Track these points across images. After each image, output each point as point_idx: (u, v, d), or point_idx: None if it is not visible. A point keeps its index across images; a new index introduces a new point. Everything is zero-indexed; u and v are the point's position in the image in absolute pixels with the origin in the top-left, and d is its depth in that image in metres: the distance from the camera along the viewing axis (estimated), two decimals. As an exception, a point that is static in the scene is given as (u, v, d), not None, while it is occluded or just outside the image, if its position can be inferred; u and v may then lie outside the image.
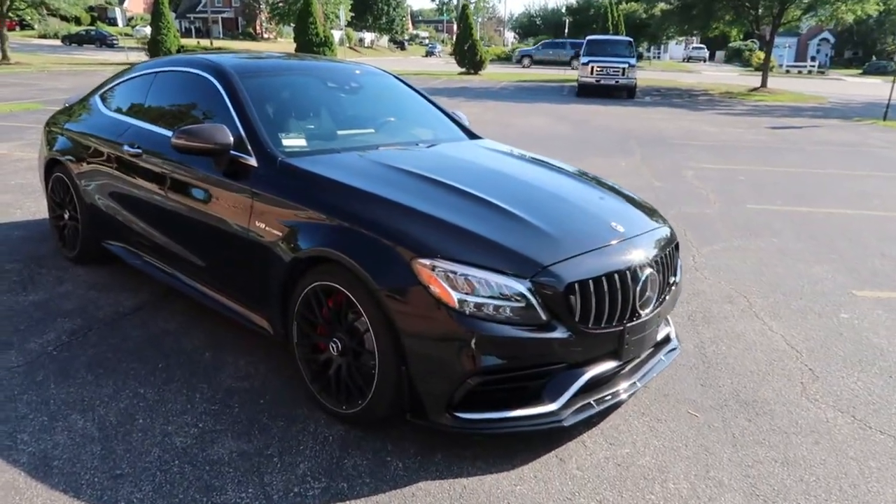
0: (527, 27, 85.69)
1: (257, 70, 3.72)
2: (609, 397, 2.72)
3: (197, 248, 3.45)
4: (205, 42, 47.24)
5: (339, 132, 3.75)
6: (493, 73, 33.78)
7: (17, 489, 2.33)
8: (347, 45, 61.63)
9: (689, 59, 66.34)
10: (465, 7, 33.29)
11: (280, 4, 60.56)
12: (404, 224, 2.61)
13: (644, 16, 48.83)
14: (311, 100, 3.89)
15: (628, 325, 2.69)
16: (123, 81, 4.33)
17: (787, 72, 49.71)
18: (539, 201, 3.01)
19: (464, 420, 2.51)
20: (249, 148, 3.18)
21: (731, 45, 63.86)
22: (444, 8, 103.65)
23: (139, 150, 3.74)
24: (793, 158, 10.54)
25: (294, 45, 35.84)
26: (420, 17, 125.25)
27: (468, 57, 32.19)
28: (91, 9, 52.15)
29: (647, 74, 34.83)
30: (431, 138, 3.89)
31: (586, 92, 22.92)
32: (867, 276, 4.89)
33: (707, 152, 10.92)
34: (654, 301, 2.83)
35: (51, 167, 4.66)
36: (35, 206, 6.07)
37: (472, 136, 4.11)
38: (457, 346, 2.43)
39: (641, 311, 2.75)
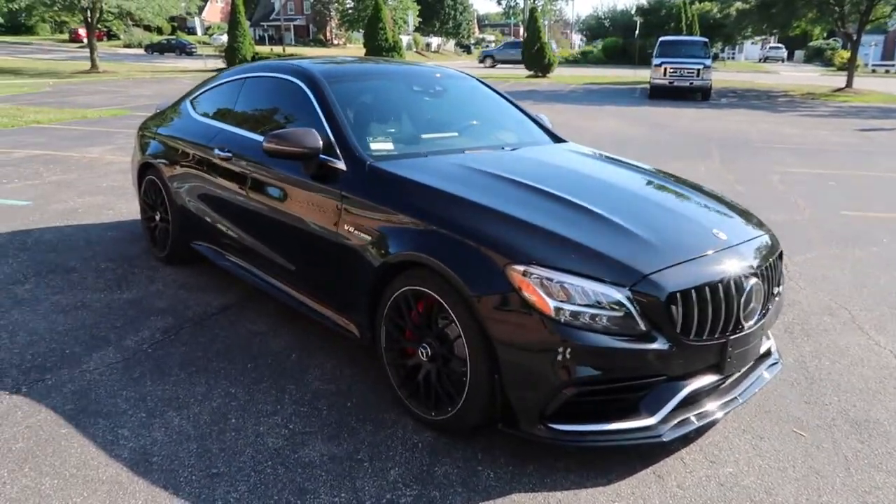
0: (595, 29, 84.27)
1: (344, 75, 3.74)
2: (709, 413, 2.59)
3: (284, 250, 3.50)
4: (277, 49, 48.55)
5: (424, 136, 3.73)
6: (562, 76, 33.39)
7: (120, 484, 2.39)
8: (415, 49, 62.26)
9: (766, 59, 63.93)
10: (532, 10, 33.05)
11: (350, 11, 61.74)
12: (497, 229, 2.55)
13: (718, 15, 47.37)
14: (395, 104, 3.89)
15: (731, 337, 2.56)
16: (213, 87, 4.45)
17: (874, 71, 47.17)
18: (635, 207, 2.91)
19: (558, 431, 2.43)
20: (338, 152, 3.20)
21: (811, 44, 61.18)
22: (511, 11, 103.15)
23: (229, 154, 3.82)
24: (887, 163, 9.96)
25: (364, 51, 36.45)
26: (486, 21, 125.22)
27: (536, 60, 31.92)
28: (172, 19, 54.40)
29: (721, 76, 33.74)
30: (516, 141, 3.83)
31: (659, 94, 22.35)
32: (981, 289, 4.54)
33: (792, 155, 10.45)
34: (758, 312, 2.68)
35: (144, 170, 4.83)
36: (126, 208, 6.32)
37: (556, 139, 4.03)
38: (552, 355, 2.35)
39: (745, 323, 2.61)
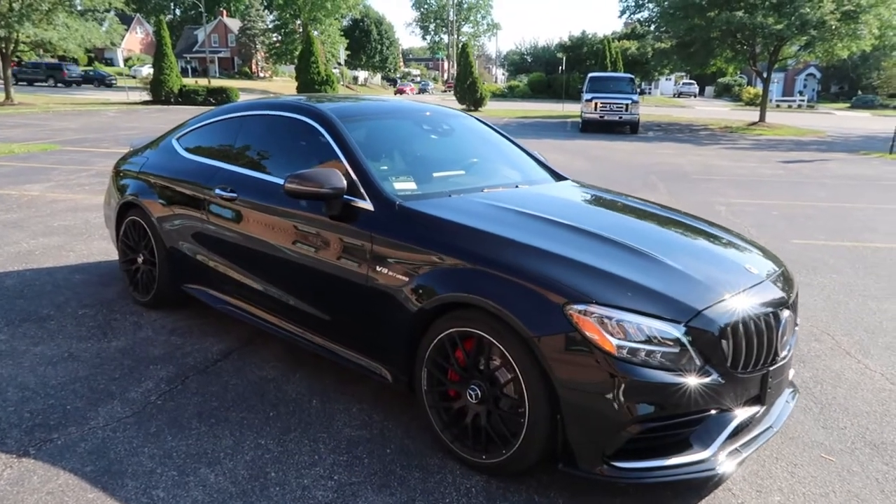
0: (518, 64, 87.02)
1: (355, 114, 3.72)
2: (752, 442, 2.66)
3: (303, 293, 3.40)
4: (203, 81, 47.51)
5: (435, 174, 3.72)
6: (494, 110, 34.15)
7: (174, 551, 2.24)
8: (342, 82, 62.40)
9: (679, 94, 67.45)
10: (465, 46, 33.85)
11: (277, 44, 61.39)
12: (551, 269, 2.57)
13: (636, 52, 49.80)
14: (405, 142, 3.89)
15: (771, 368, 2.66)
16: (204, 125, 4.32)
17: (777, 106, 50.53)
18: (669, 243, 3.00)
19: (621, 469, 2.44)
20: (363, 192, 3.16)
21: (720, 80, 65.07)
22: (436, 46, 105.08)
23: (233, 194, 3.71)
24: (818, 193, 10.64)
25: (295, 84, 36.21)
26: (410, 56, 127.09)
27: (469, 94, 32.58)
28: (88, 50, 52.68)
29: (641, 109, 35.37)
30: (523, 179, 3.88)
31: (590, 128, 23.20)
32: (940, 312, 4.89)
33: (731, 187, 11.01)
34: (790, 343, 2.80)
35: (124, 211, 4.61)
36: (86, 249, 6.01)
37: (557, 176, 4.11)
38: (615, 393, 2.37)
39: (780, 354, 2.72)
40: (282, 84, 60.37)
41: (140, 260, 4.52)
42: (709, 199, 9.67)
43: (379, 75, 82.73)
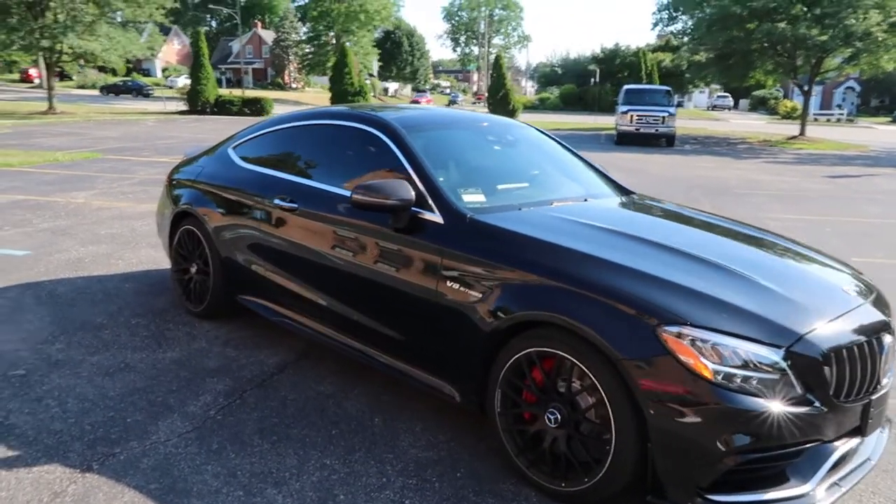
0: (549, 76, 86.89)
1: (418, 124, 3.62)
2: (851, 476, 2.49)
3: (366, 307, 3.31)
4: (237, 92, 48.23)
5: (499, 186, 3.61)
6: (526, 121, 34.01)
7: (247, 578, 2.14)
8: (373, 94, 62.90)
9: (714, 107, 66.63)
10: (498, 58, 33.90)
11: (310, 56, 62.12)
12: (638, 287, 2.44)
13: (670, 65, 49.35)
14: (470, 153, 3.79)
15: (873, 397, 2.49)
16: (261, 134, 4.26)
17: (816, 120, 49.49)
18: (760, 262, 2.85)
19: (716, 503, 2.29)
20: (432, 204, 3.06)
21: (754, 93, 64.15)
22: (466, 58, 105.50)
23: (294, 205, 3.63)
24: (869, 209, 10.31)
25: (327, 95, 36.56)
26: (441, 67, 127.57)
27: (501, 105, 32.54)
28: (127, 60, 53.89)
29: (676, 122, 34.95)
30: (590, 192, 3.74)
31: (626, 140, 22.93)
32: None
33: (777, 202, 10.73)
34: (892, 370, 2.62)
35: (178, 220, 4.58)
36: (135, 257, 6.00)
37: (623, 189, 3.97)
38: (712, 421, 2.23)
39: (882, 381, 2.54)
40: (314, 95, 61.00)
41: (193, 270, 4.48)
42: (756, 215, 9.40)
43: (409, 87, 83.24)
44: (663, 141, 23.05)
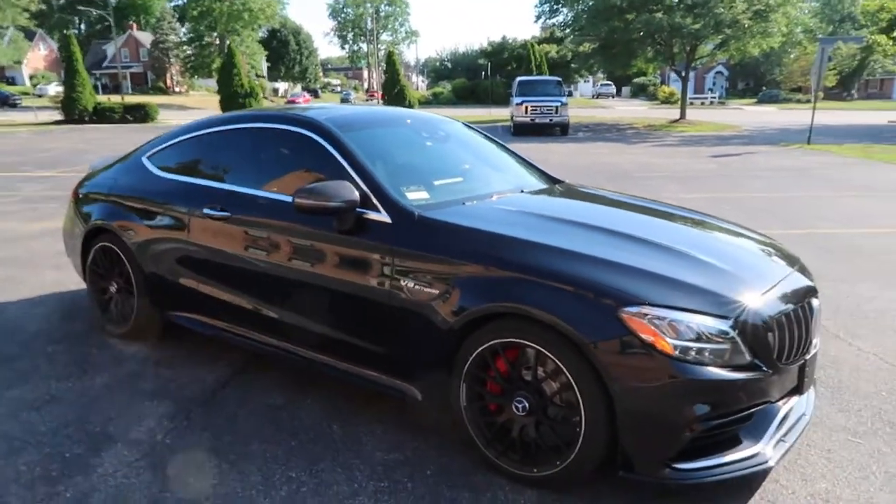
0: (439, 71, 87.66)
1: (352, 123, 3.56)
2: (793, 431, 2.69)
3: (315, 313, 3.23)
4: (116, 98, 45.59)
5: (436, 182, 3.62)
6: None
7: None
8: (262, 95, 61.15)
9: (598, 95, 69.47)
10: (390, 54, 33.84)
11: (192, 58, 59.54)
12: (595, 273, 2.52)
13: (556, 56, 50.97)
14: (404, 150, 3.78)
15: (807, 357, 2.70)
16: (179, 142, 4.06)
17: (691, 103, 52.61)
18: (698, 241, 3.01)
19: (683, 471, 2.41)
20: (377, 203, 3.03)
21: (635, 80, 67.40)
22: (355, 55, 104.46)
23: (226, 213, 3.50)
24: (755, 184, 11.10)
25: (214, 98, 35.22)
26: (330, 65, 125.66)
27: (397, 101, 32.50)
28: (-12, 68, 49.67)
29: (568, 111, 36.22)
30: (524, 184, 3.81)
31: (522, 131, 23.53)
32: (906, 291, 5.14)
33: (674, 183, 11.35)
34: (819, 331, 2.85)
35: (91, 237, 4.29)
36: (38, 280, 5.57)
37: (554, 179, 4.09)
38: (676, 394, 2.35)
39: (813, 342, 2.76)
40: (200, 98, 58.61)
41: (113, 289, 4.22)
42: (658, 196, 9.89)
43: (299, 86, 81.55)
44: (558, 130, 23.82)
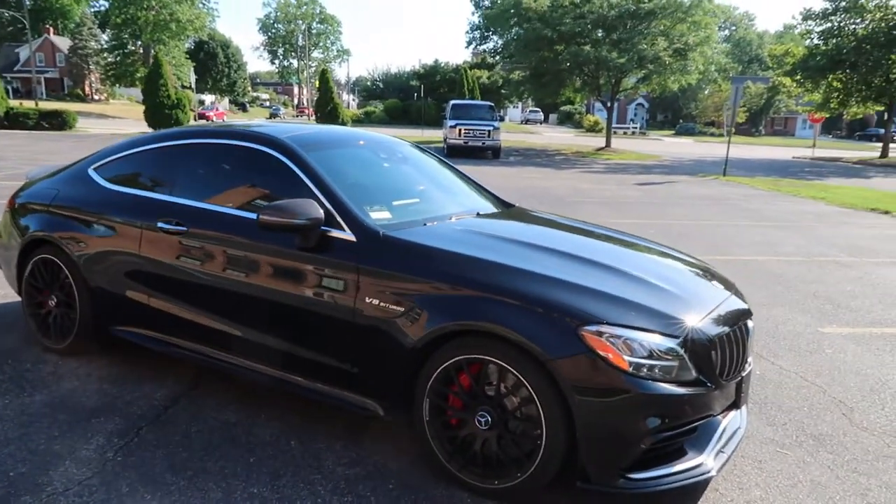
0: (370, 90, 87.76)
1: (314, 143, 3.61)
2: (730, 442, 2.90)
3: (273, 330, 3.24)
4: (29, 103, 43.42)
5: (394, 203, 3.71)
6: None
7: None
8: (189, 106, 59.53)
9: (527, 121, 71.24)
10: (324, 71, 33.68)
11: (114, 66, 57.42)
12: (557, 293, 2.66)
13: (487, 81, 52.05)
14: (364, 170, 3.85)
15: (743, 374, 2.93)
16: (130, 154, 3.99)
17: (615, 132, 54.74)
18: (646, 264, 3.22)
19: (637, 481, 2.56)
20: (341, 222, 3.09)
21: (562, 108, 69.53)
22: (285, 71, 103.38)
23: (182, 228, 3.47)
24: (678, 211, 11.69)
25: (136, 107, 34.09)
26: (258, 80, 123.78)
27: (330, 118, 32.37)
28: None
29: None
30: (479, 206, 3.94)
31: (455, 153, 23.85)
32: (820, 315, 5.56)
33: (603, 208, 11.81)
34: (752, 350, 3.09)
35: (30, 249, 4.13)
36: (-41, 293, 5.29)
37: (505, 203, 4.24)
38: (631, 408, 2.51)
39: (748, 360, 3.00)
40: (121, 107, 56.56)
41: (52, 303, 4.07)
42: (595, 221, 10.29)
43: (227, 99, 79.89)
44: (490, 153, 24.30)
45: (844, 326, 5.29)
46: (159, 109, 31.18)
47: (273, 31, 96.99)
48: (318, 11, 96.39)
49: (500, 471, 2.70)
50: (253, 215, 3.30)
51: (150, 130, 31.76)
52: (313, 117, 61.92)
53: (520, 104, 69.12)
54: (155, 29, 50.25)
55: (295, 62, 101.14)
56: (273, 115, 75.09)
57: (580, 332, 2.53)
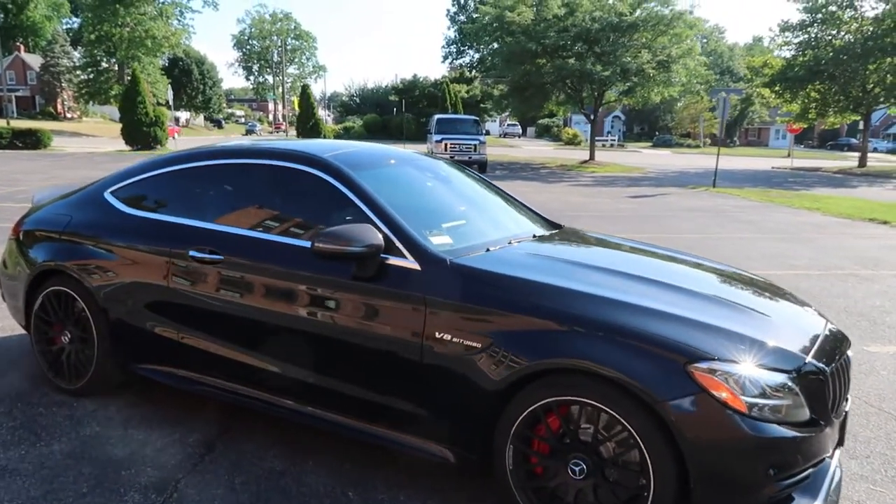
0: (347, 105, 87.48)
1: (359, 163, 3.33)
2: (837, 487, 2.66)
3: (327, 368, 2.95)
4: (1, 122, 42.43)
5: (444, 225, 3.43)
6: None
7: None
8: (168, 124, 58.66)
9: (505, 134, 71.46)
10: (305, 87, 33.39)
11: (87, 83, 56.45)
12: (658, 327, 2.41)
13: (465, 95, 52.12)
14: (411, 191, 3.58)
15: (846, 409, 2.70)
16: (152, 176, 3.67)
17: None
18: (729, 288, 2.99)
19: (753, 533, 2.31)
20: (402, 249, 2.82)
21: (540, 121, 69.89)
22: (261, 87, 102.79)
23: (217, 257, 3.16)
24: (682, 225, 11.57)
25: (110, 125, 33.45)
26: (233, 96, 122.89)
27: (311, 134, 32.03)
28: None
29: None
30: (533, 229, 3.67)
31: (441, 168, 23.62)
32: (859, 333, 5.38)
33: (605, 222, 11.63)
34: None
35: (40, 281, 3.79)
36: (-48, 328, 4.89)
37: (553, 223, 4.00)
38: (750, 453, 2.26)
39: (849, 394, 2.77)
40: (95, 125, 55.65)
41: (66, 339, 3.73)
42: (594, 235, 10.11)
43: (202, 116, 79.11)
44: (476, 167, 24.11)
45: (889, 345, 5.11)
46: (137, 127, 30.59)
47: (248, 47, 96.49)
48: (292, 27, 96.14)
49: (599, 524, 2.43)
50: (298, 242, 3.03)
51: (127, 148, 31.15)
52: (289, 133, 61.45)
53: (497, 118, 69.35)
54: (130, 46, 49.53)
55: (270, 78, 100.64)
56: (249, 132, 74.44)
57: (689, 370, 2.28)
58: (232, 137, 58.39)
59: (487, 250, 3.02)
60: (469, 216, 3.74)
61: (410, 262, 2.78)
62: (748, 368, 2.32)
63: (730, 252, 8.93)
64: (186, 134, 54.49)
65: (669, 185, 20.75)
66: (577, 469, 2.44)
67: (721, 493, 2.28)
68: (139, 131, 30.51)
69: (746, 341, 2.43)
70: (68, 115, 63.15)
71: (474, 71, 30.91)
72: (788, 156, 34.28)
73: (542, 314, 2.51)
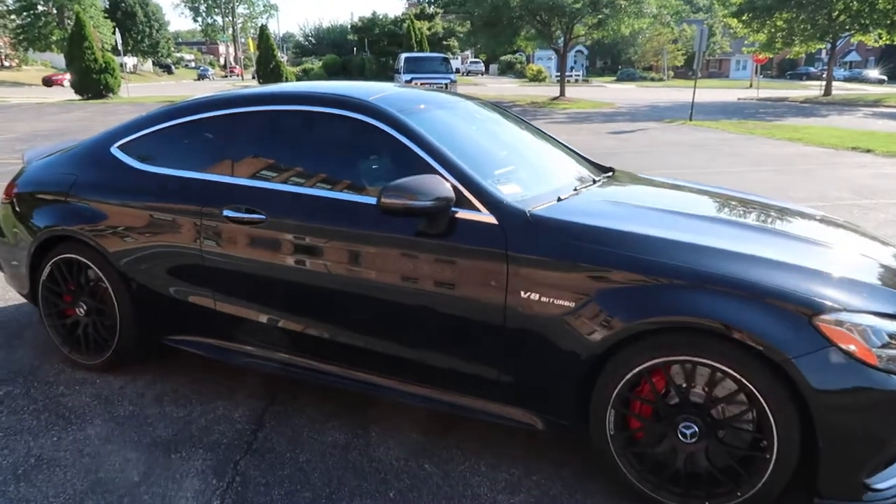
0: (303, 47, 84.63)
1: (405, 105, 3.00)
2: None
3: (397, 333, 2.70)
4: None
5: (496, 172, 3.15)
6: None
7: None
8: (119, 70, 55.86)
9: (468, 72, 70.09)
10: (263, 28, 31.89)
11: (24, 29, 53.17)
12: (773, 277, 2.22)
13: (427, 32, 50.67)
14: (465, 137, 3.27)
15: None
16: (168, 127, 3.28)
17: (558, 81, 54.50)
18: (833, 234, 2.80)
19: (880, 491, 2.19)
20: (474, 201, 2.56)
21: (502, 58, 68.61)
22: (210, 29, 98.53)
23: (258, 216, 2.85)
24: (672, 160, 11.42)
25: (69, 74, 31.70)
26: (180, 40, 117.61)
27: (273, 77, 30.82)
28: None
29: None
30: (590, 173, 3.41)
31: (412, 108, 23.03)
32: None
33: (604, 161, 11.40)
34: None
35: (46, 248, 3.43)
36: (-62, 301, 4.50)
37: (603, 168, 3.75)
38: (879, 407, 2.11)
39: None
40: (36, 73, 52.62)
41: (82, 311, 3.40)
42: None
43: (150, 61, 75.70)
44: (447, 107, 23.56)
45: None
46: (86, 74, 28.96)
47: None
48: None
49: (712, 489, 2.28)
50: (350, 196, 2.75)
51: (77, 98, 29.58)
52: (243, 77, 59.25)
53: (459, 56, 67.87)
54: (68, -13, 46.58)
55: (219, 19, 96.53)
56: (202, 76, 71.74)
57: (816, 323, 2.10)
58: (184, 83, 56.12)
59: (559, 199, 2.77)
60: (517, 161, 3.46)
61: (486, 216, 2.52)
62: (871, 318, 2.15)
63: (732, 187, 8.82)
64: (136, 81, 52.16)
65: (645, 119, 20.55)
66: (688, 432, 2.27)
67: (850, 451, 2.13)
68: (89, 79, 28.90)
69: (865, 288, 2.26)
70: (6, 64, 59.65)
71: (433, 7, 29.84)
72: (751, 86, 34.30)
73: (647, 269, 2.28)
